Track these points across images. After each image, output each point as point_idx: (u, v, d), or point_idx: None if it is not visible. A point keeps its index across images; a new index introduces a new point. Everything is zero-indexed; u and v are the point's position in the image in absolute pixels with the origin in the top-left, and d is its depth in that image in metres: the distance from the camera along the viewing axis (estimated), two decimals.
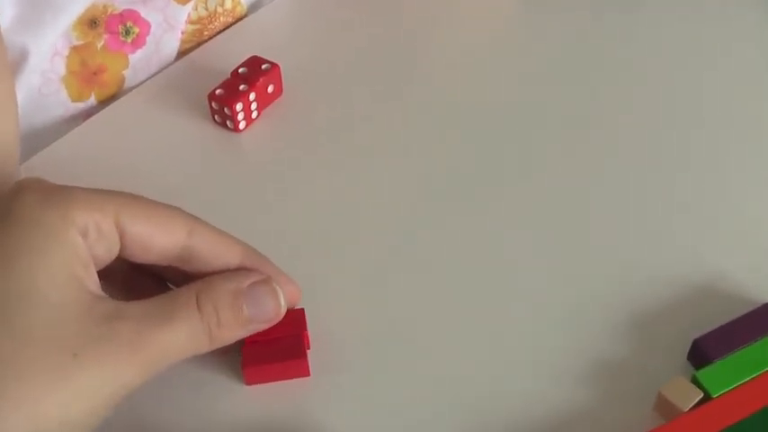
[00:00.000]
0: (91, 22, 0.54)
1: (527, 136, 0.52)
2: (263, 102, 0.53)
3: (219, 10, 0.59)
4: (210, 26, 0.59)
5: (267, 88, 0.53)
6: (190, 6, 0.57)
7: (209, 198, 0.49)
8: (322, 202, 0.49)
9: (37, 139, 0.54)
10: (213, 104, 0.52)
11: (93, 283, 0.35)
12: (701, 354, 0.39)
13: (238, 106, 0.51)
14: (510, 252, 0.46)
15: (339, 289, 0.44)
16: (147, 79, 0.57)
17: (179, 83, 0.56)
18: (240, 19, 0.61)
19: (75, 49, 0.54)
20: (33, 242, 0.34)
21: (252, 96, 0.52)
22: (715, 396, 0.37)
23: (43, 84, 0.54)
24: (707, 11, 0.59)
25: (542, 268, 0.45)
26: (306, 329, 0.41)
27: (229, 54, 0.56)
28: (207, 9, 0.58)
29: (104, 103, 0.56)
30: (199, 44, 0.59)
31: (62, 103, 0.55)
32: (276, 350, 0.40)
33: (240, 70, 0.53)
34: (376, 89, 0.56)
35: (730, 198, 0.48)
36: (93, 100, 0.56)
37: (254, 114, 0.53)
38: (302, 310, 0.41)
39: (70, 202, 0.35)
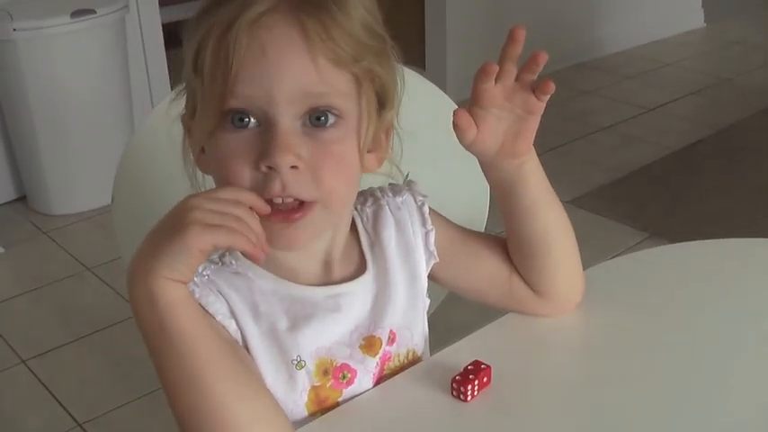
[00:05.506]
0: (324, 372, 0.93)
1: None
2: (481, 386, 0.92)
3: (405, 361, 0.98)
4: (397, 371, 0.97)
5: (483, 379, 0.92)
6: (377, 358, 0.94)
7: None
8: None
9: None
10: (453, 384, 0.91)
11: None
12: None
13: (469, 387, 0.90)
14: None
15: None
16: (356, 396, 0.93)
17: (429, 371, 0.95)
18: (415, 360, 0.99)
19: (313, 388, 0.92)
20: None
21: (475, 383, 0.91)
22: None
23: (292, 409, 0.90)
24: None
25: None
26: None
27: (463, 356, 0.95)
28: (399, 361, 0.98)
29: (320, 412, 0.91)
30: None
31: (302, 415, 0.92)
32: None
33: (468, 367, 0.92)
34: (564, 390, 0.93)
35: None
36: (318, 416, 0.92)
37: (476, 392, 0.91)
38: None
39: None
